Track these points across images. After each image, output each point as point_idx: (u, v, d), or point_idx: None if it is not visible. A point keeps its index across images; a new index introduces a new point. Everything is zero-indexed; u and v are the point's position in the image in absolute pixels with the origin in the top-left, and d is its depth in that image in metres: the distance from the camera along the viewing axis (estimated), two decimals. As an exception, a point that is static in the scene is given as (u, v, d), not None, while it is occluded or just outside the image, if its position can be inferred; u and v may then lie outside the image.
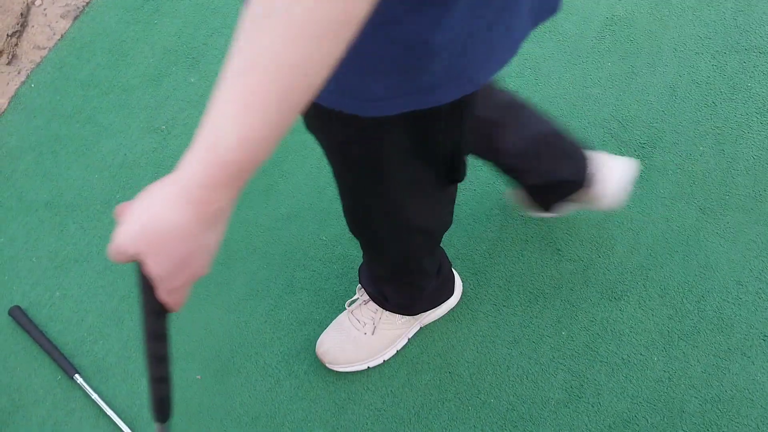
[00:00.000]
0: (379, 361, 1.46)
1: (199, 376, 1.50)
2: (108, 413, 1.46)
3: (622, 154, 1.63)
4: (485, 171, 1.67)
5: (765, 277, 1.43)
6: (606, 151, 1.63)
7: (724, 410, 1.31)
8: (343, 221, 1.64)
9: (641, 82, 1.74)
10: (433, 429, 1.39)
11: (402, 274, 1.31)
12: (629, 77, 1.75)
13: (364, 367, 1.45)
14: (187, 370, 1.51)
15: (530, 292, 1.50)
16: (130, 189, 1.74)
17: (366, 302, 1.43)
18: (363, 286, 1.42)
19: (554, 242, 1.54)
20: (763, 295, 1.41)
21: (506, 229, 1.58)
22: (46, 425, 1.48)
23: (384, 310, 1.41)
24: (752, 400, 1.31)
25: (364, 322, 1.42)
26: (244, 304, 1.56)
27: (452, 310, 1.49)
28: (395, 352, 1.46)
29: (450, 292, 1.47)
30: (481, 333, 1.47)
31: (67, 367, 1.52)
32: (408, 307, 1.41)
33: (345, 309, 1.48)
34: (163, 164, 1.76)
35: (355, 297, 1.47)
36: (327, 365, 1.45)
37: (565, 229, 1.55)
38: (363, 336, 1.42)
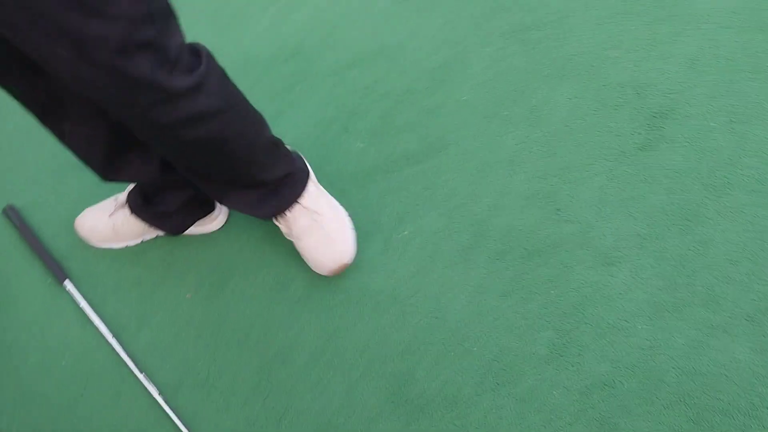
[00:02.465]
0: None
1: (189, 295, 1.51)
2: (94, 321, 1.47)
3: (633, 121, 1.62)
4: (492, 123, 1.65)
5: (758, 259, 1.44)
6: (618, 116, 1.62)
7: (700, 383, 1.34)
8: (345, 159, 1.63)
9: (662, 50, 1.71)
10: (416, 369, 1.41)
11: None
12: (651, 44, 1.72)
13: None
14: (178, 287, 1.52)
15: (526, 249, 1.50)
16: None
17: None
18: None
19: (556, 202, 1.54)
20: (753, 277, 1.43)
21: (510, 184, 1.57)
22: (32, 328, 1.49)
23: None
24: (728, 377, 1.34)
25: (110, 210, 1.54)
26: (240, 228, 1.56)
27: (447, 258, 1.50)
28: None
29: None
30: (473, 282, 1.48)
31: (57, 271, 1.52)
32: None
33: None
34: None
35: None
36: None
37: (568, 190, 1.55)
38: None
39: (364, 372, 1.42)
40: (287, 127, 1.69)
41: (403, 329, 1.45)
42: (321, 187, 1.52)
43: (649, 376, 1.37)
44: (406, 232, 1.55)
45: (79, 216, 1.55)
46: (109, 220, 1.51)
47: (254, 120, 1.24)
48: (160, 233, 1.54)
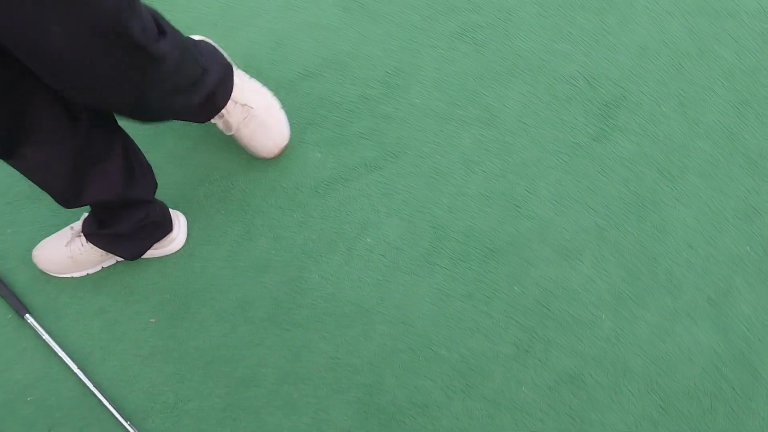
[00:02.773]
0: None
1: (153, 319, 1.49)
2: (59, 353, 1.45)
3: (586, 112, 1.63)
4: (448, 125, 1.65)
5: (715, 242, 1.46)
6: (571, 108, 1.63)
7: (667, 369, 1.36)
8: (304, 170, 1.63)
9: (611, 40, 1.72)
10: (384, 378, 1.41)
11: None
12: (600, 34, 1.73)
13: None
14: (141, 312, 1.50)
15: (487, 248, 1.51)
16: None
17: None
18: None
19: (514, 199, 1.55)
20: (711, 259, 1.45)
21: (468, 184, 1.58)
22: (-4, 363, 1.47)
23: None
24: (693, 361, 1.36)
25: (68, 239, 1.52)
26: (201, 249, 1.55)
27: (410, 262, 1.50)
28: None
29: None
30: (437, 286, 1.49)
31: (17, 306, 1.50)
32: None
33: None
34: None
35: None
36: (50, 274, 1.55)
37: (525, 186, 1.56)
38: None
39: (333, 385, 1.41)
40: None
41: (370, 339, 1.45)
42: (241, 72, 1.59)
43: (616, 366, 1.37)
44: (368, 240, 1.55)
45: (35, 248, 1.53)
46: (66, 250, 1.49)
47: (196, 53, 1.33)
48: (119, 259, 1.53)
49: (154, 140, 1.70)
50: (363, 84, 1.73)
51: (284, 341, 1.45)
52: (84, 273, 1.54)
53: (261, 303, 1.49)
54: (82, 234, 1.48)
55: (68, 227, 1.52)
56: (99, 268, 1.54)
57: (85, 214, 1.48)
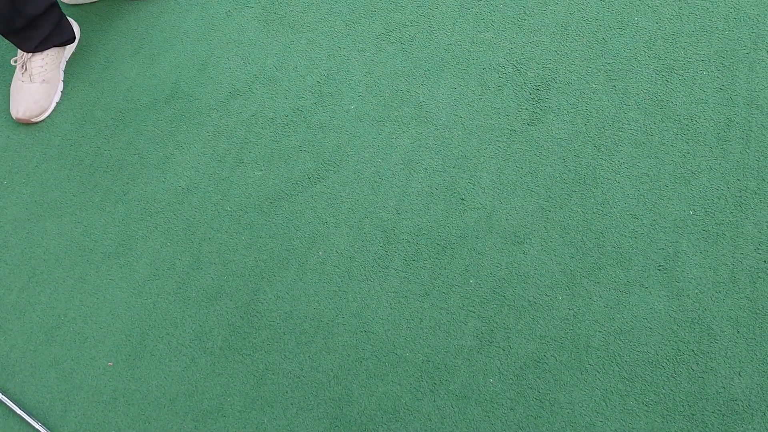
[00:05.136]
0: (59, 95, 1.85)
1: (110, 363, 1.46)
2: (18, 412, 1.41)
3: (518, 98, 1.64)
4: (384, 127, 1.65)
5: (658, 209, 1.48)
6: (502, 96, 1.64)
7: (626, 341, 1.37)
8: (246, 191, 1.61)
9: (533, 23, 1.74)
10: (352, 389, 1.40)
11: None
12: (521, 18, 1.75)
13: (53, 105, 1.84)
14: (97, 357, 1.47)
15: (438, 244, 1.51)
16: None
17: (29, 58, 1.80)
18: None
19: (458, 192, 1.55)
20: (657, 227, 1.47)
21: (411, 184, 1.58)
22: (-48, 431, 1.42)
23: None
24: (650, 328, 1.38)
25: (30, 74, 1.79)
26: (150, 284, 1.52)
27: (364, 269, 1.50)
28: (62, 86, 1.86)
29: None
30: (393, 289, 1.48)
31: (-33, 369, 1.46)
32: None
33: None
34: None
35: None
36: (34, 120, 1.80)
37: (468, 179, 1.56)
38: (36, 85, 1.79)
39: (301, 404, 1.40)
40: (180, 169, 1.65)
41: (333, 351, 1.44)
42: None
43: (577, 344, 1.39)
44: (320, 253, 1.54)
45: (12, 111, 1.78)
46: (26, 79, 1.77)
47: None
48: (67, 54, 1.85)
49: (90, 180, 1.67)
50: (294, 96, 1.72)
51: (246, 367, 1.43)
52: (58, 93, 1.82)
53: (218, 331, 1.47)
54: (23, 55, 1.77)
55: (17, 72, 1.80)
56: (62, 72, 1.84)
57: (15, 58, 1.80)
